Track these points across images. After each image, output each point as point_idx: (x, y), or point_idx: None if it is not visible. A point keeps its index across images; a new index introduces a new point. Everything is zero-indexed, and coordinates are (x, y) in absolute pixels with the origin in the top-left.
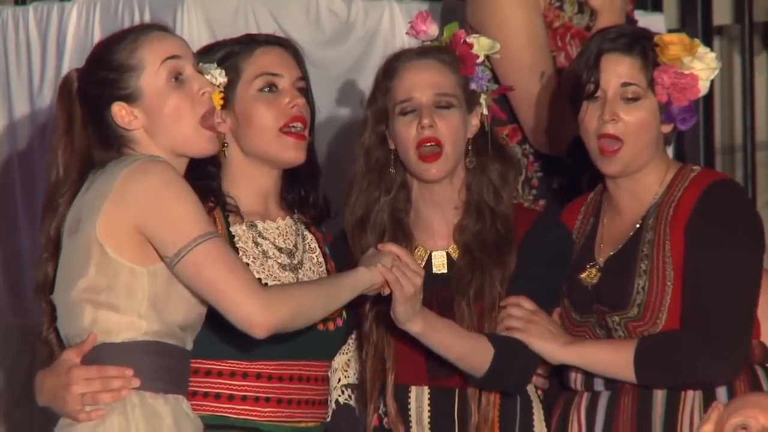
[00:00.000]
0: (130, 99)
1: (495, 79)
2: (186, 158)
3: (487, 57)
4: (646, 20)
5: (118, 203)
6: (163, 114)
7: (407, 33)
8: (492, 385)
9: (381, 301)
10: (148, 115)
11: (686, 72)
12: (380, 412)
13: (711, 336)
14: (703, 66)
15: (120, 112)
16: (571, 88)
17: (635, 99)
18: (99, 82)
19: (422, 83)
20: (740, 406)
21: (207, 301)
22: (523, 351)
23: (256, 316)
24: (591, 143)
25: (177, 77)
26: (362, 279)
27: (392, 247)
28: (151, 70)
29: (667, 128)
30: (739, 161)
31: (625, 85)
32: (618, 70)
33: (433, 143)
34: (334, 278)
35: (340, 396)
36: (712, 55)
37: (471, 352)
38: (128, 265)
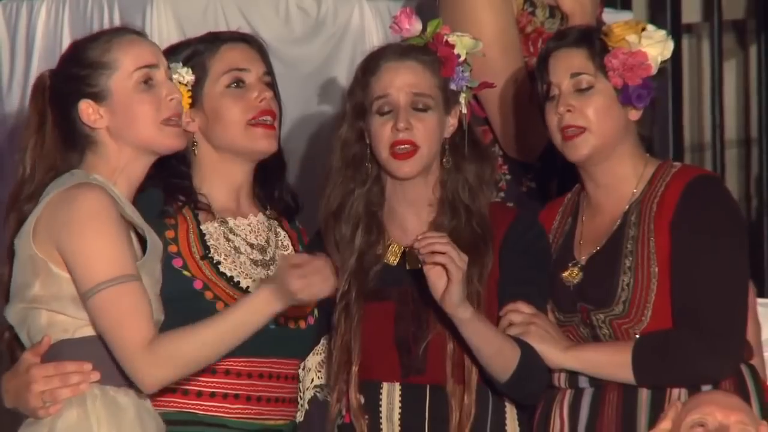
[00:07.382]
0: (97, 97)
1: None
2: (153, 156)
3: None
4: (615, 18)
5: (47, 222)
6: (127, 115)
7: (391, 28)
8: (514, 391)
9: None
10: (113, 115)
11: (634, 50)
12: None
13: (707, 332)
14: (650, 42)
15: (87, 109)
16: (534, 95)
17: (588, 88)
18: (69, 78)
19: (400, 84)
20: (698, 403)
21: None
22: (540, 358)
23: (141, 375)
24: (556, 138)
25: (147, 81)
26: (266, 303)
27: None
28: (123, 72)
29: (635, 115)
30: (708, 159)
31: (574, 75)
32: (566, 64)
33: (408, 145)
34: (231, 315)
35: (316, 394)
36: (662, 31)
37: (503, 349)
38: (69, 278)
